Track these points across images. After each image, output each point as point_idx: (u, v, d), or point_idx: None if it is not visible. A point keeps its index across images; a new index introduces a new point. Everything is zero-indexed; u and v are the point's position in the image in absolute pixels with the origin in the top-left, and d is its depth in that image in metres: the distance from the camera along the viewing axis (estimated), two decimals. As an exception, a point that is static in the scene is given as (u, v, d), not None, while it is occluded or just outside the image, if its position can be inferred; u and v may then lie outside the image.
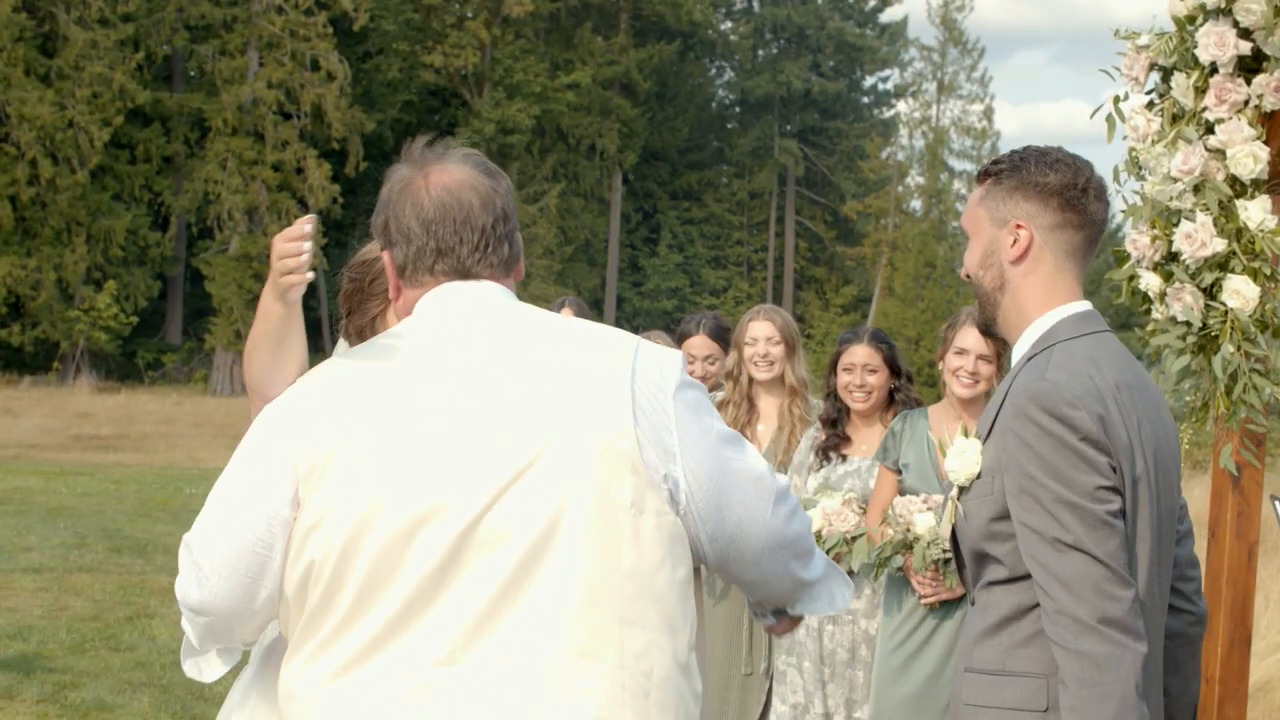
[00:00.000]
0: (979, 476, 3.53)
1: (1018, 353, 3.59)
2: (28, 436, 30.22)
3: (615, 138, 65.66)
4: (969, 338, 6.36)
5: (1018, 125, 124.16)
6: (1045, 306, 3.54)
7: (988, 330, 3.71)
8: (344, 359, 3.15)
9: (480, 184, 3.18)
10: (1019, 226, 3.52)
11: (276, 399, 3.11)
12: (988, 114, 67.60)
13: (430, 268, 3.16)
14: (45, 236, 51.31)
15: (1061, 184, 3.51)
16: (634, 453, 2.93)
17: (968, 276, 3.67)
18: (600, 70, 64.23)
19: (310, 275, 3.38)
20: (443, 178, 3.17)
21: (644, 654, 2.91)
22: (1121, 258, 5.13)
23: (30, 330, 50.99)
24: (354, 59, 57.53)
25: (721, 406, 7.33)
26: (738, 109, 75.23)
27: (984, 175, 3.62)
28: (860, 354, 6.89)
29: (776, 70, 71.06)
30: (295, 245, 3.31)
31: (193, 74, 58.47)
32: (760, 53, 73.37)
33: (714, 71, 76.19)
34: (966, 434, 3.58)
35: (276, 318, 3.43)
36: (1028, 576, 3.34)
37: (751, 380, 7.29)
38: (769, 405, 7.34)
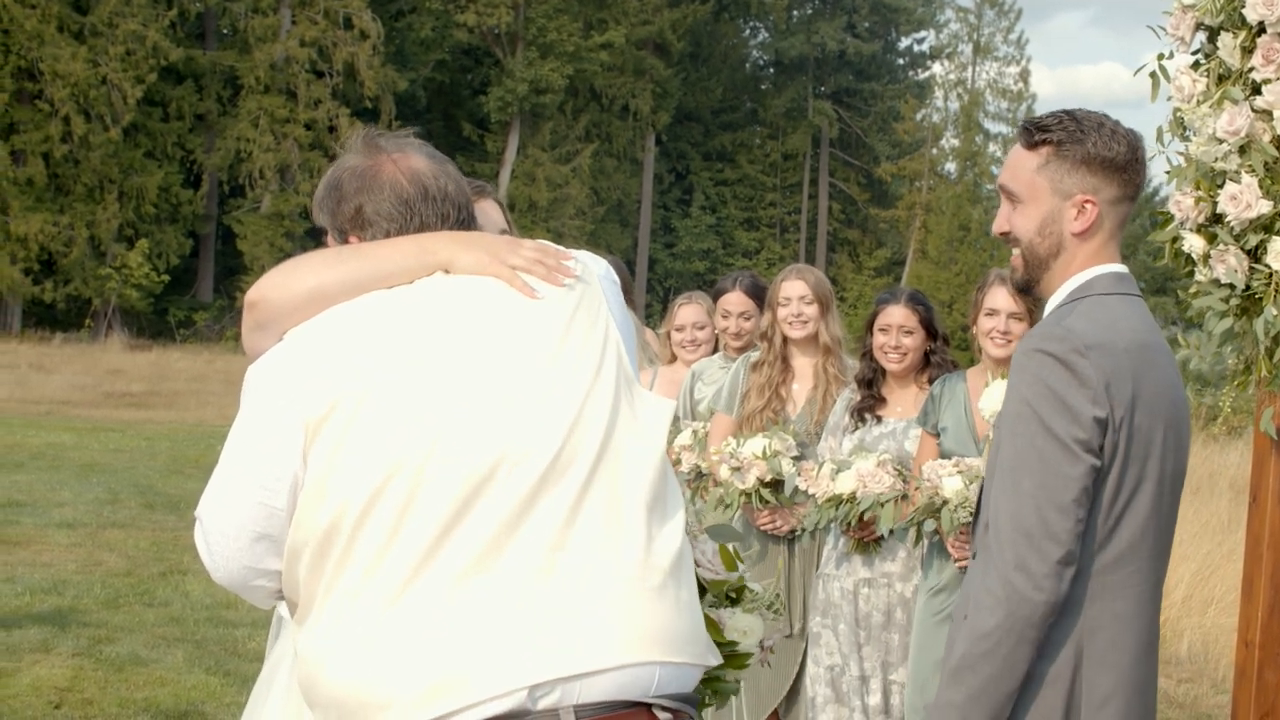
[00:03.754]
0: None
1: (1050, 306, 3.66)
2: (60, 393, 30.32)
3: (649, 98, 65.49)
4: (999, 298, 6.33)
5: (1054, 88, 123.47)
6: (1087, 265, 3.61)
7: (1028, 290, 3.74)
8: (342, 308, 3.03)
9: (445, 169, 3.23)
10: (1087, 201, 3.57)
11: (271, 351, 3.03)
12: (1024, 76, 67.31)
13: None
14: (78, 194, 51.48)
15: (1126, 159, 3.58)
16: (620, 349, 3.12)
17: (1004, 235, 3.69)
18: (634, 30, 64.02)
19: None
20: (411, 163, 3.17)
21: (678, 529, 3.07)
22: (1165, 219, 5.06)
23: (63, 287, 51.20)
24: (387, 17, 57.49)
25: (756, 366, 7.30)
26: (772, 70, 74.96)
27: (1041, 141, 3.61)
28: (897, 315, 6.84)
29: (811, 31, 70.76)
30: (557, 264, 3.16)
31: (225, 31, 58.50)
32: (795, 13, 73.07)
33: (748, 32, 75.91)
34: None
35: (406, 276, 3.08)
36: None
37: (786, 340, 7.25)
38: (804, 365, 7.30)
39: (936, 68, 72.37)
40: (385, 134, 3.26)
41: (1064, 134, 3.58)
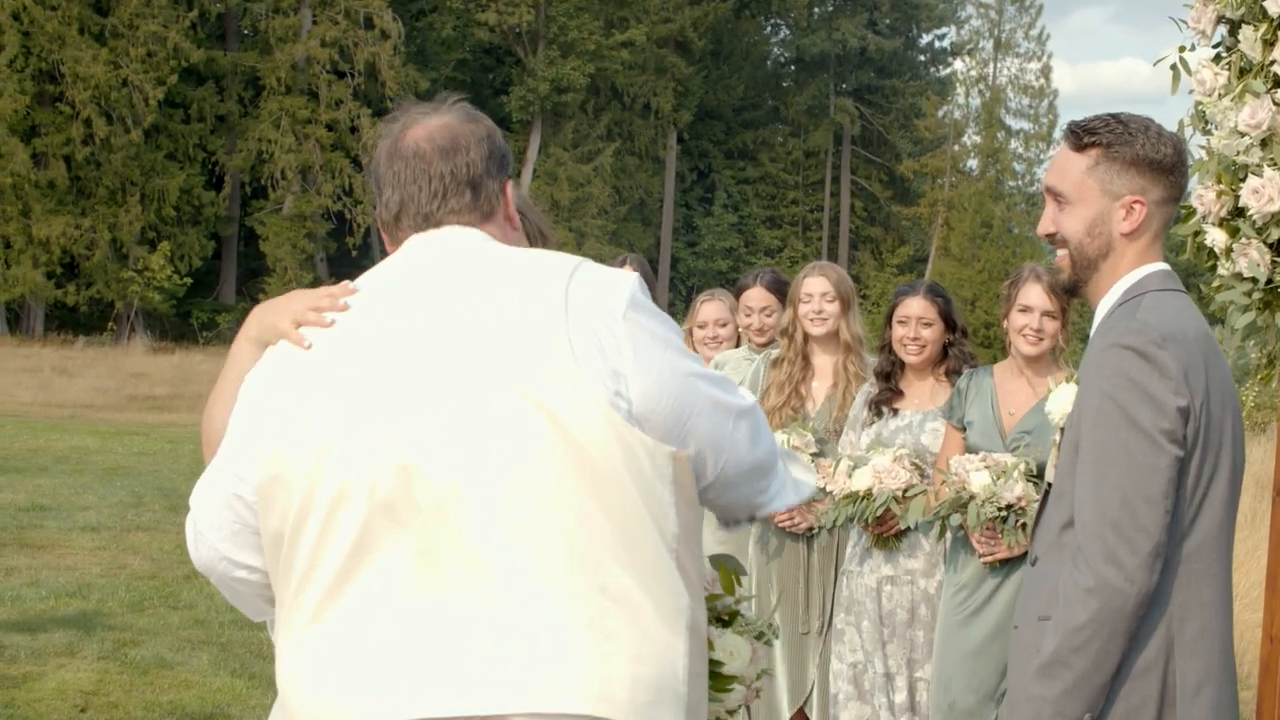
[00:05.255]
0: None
1: (1105, 305, 3.71)
2: (83, 396, 30.43)
3: (670, 96, 65.49)
4: (1033, 294, 6.31)
5: (1075, 84, 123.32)
6: (1136, 265, 3.68)
7: (1074, 291, 3.79)
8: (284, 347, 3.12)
9: (448, 131, 3.16)
10: (1137, 202, 3.65)
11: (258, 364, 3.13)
12: (1045, 72, 67.17)
13: (399, 222, 3.15)
14: (100, 196, 51.61)
15: (1173, 161, 3.67)
16: (576, 383, 2.84)
17: (1049, 236, 3.75)
18: (655, 28, 64.03)
19: None
20: (415, 132, 3.16)
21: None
22: (1187, 213, 5.05)
23: (85, 290, 51.33)
24: (408, 17, 57.58)
25: (776, 363, 7.31)
26: (793, 67, 74.90)
27: (1090, 144, 3.68)
28: (915, 306, 6.83)
29: (832, 28, 70.69)
30: (331, 305, 3.12)
31: (246, 32, 58.63)
32: (816, 10, 73.01)
33: (769, 29, 75.87)
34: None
35: (250, 360, 3.20)
36: None
37: (806, 336, 7.25)
38: (824, 362, 7.30)
39: (958, 64, 72.36)
40: (438, 97, 3.28)
41: (1112, 136, 3.65)
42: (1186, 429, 3.42)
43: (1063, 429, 3.72)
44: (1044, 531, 3.67)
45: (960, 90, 70.16)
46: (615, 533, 2.82)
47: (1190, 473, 3.45)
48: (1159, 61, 5.20)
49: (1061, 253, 3.73)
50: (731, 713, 3.54)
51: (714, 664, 3.50)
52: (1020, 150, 65.72)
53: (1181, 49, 5.10)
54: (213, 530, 3.06)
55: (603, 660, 2.79)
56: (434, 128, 3.16)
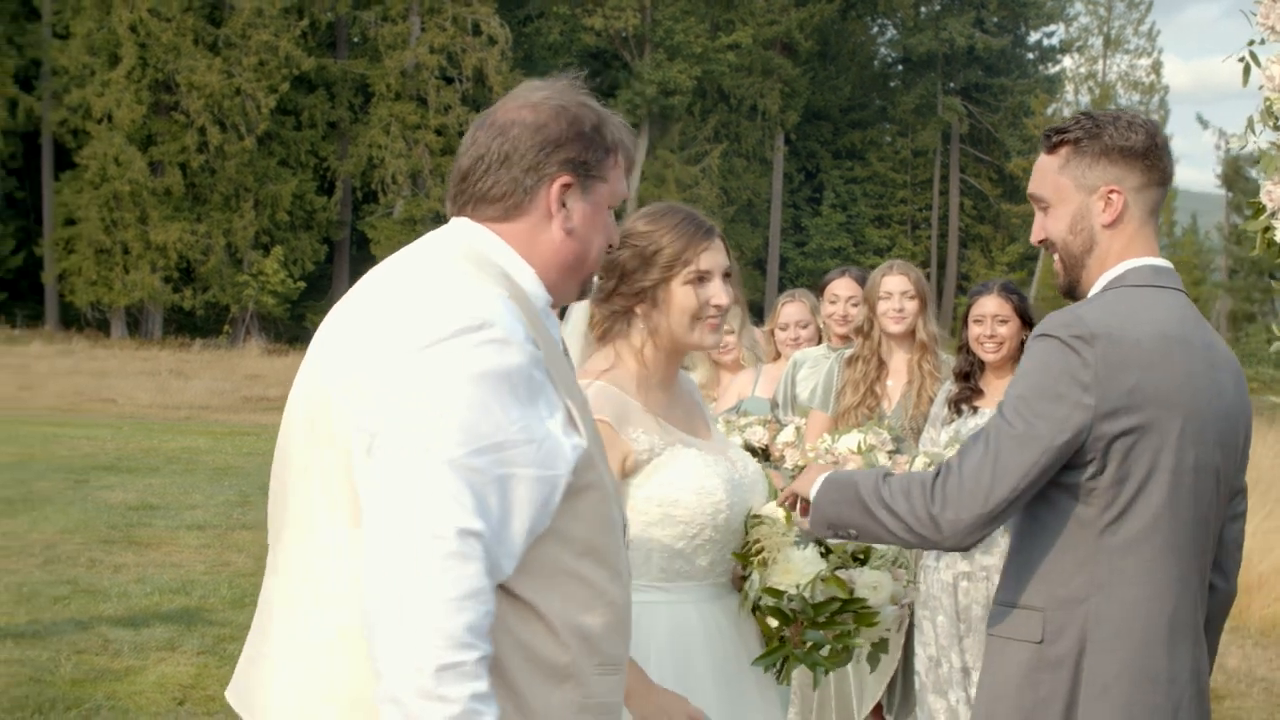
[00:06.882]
0: None
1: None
2: (198, 398, 30.86)
3: (777, 97, 65.40)
4: (988, 305, 6.80)
5: (1188, 79, 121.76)
6: (1122, 258, 3.62)
7: (1071, 293, 3.75)
8: None
9: (498, 119, 2.95)
10: (1112, 191, 3.60)
11: None
12: (1155, 68, 66.43)
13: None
14: (214, 202, 52.38)
15: (1145, 145, 3.60)
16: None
17: (1042, 243, 3.74)
18: (761, 30, 63.97)
19: None
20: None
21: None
22: (1257, 209, 5.04)
23: (201, 295, 52.12)
24: (515, 22, 57.90)
25: (851, 362, 7.34)
26: (900, 67, 74.54)
27: (1059, 143, 3.67)
28: (990, 305, 6.87)
29: (939, 27, 70.28)
30: None
31: (356, 40, 59.20)
32: (923, 9, 72.60)
33: (876, 29, 75.54)
34: None
35: None
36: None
37: (883, 335, 7.29)
38: (899, 361, 7.32)
39: (1067, 61, 71.79)
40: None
41: (1081, 132, 3.63)
42: (1094, 425, 3.37)
43: None
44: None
45: (1069, 87, 69.62)
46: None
47: (1109, 472, 3.40)
48: (1227, 58, 5.19)
49: (1056, 257, 3.72)
50: (889, 631, 3.85)
51: (858, 602, 3.78)
52: (1131, 147, 64.98)
53: (1251, 43, 5.08)
54: None
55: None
56: (499, 115, 2.98)
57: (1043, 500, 3.49)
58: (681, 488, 3.86)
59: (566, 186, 2.92)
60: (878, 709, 7.24)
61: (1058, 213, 3.67)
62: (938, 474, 3.49)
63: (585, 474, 2.77)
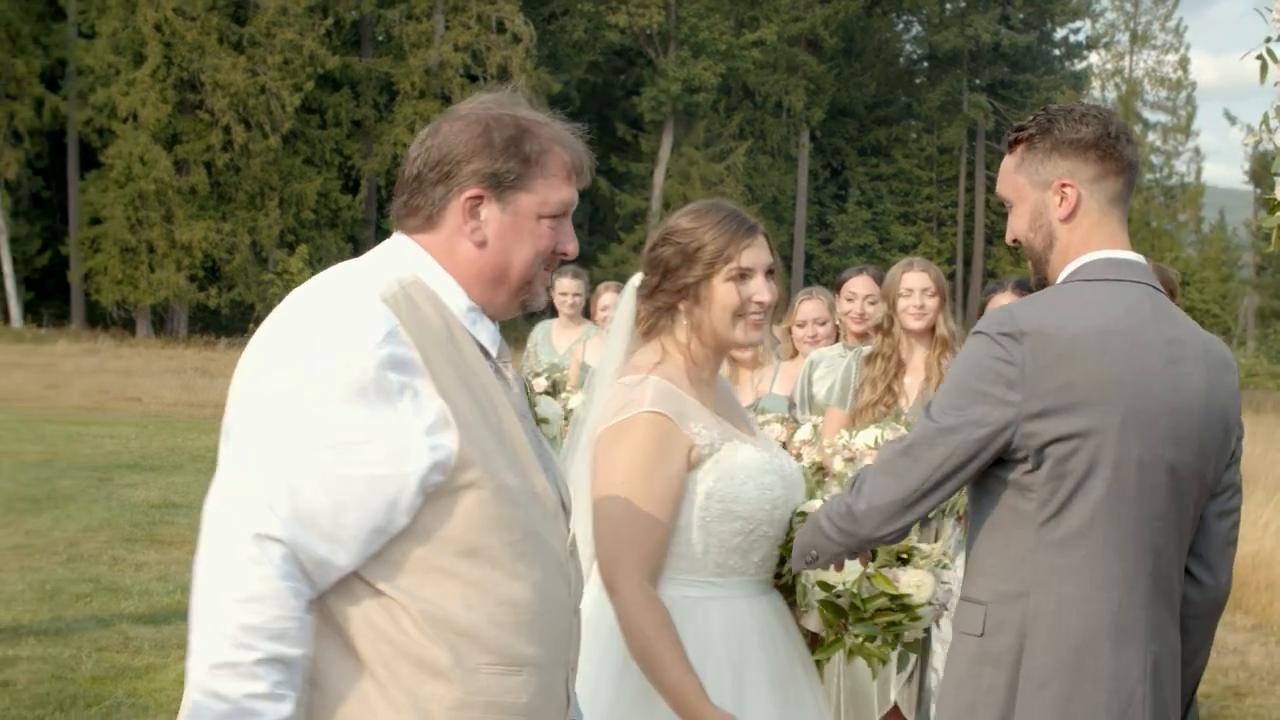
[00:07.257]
0: None
1: None
2: (223, 397, 29.97)
3: (802, 94, 65.35)
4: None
5: (1216, 75, 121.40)
6: (1081, 252, 3.61)
7: (1043, 289, 3.72)
8: None
9: (439, 129, 3.03)
10: (1064, 185, 3.60)
11: None
12: (1183, 64, 66.25)
13: None
14: (239, 201, 52.51)
15: (1095, 136, 3.60)
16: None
17: (1015, 242, 3.74)
18: (786, 27, 63.91)
19: None
20: None
21: None
22: (1272, 205, 5.03)
23: (226, 293, 52.28)
24: (539, 20, 57.93)
25: (870, 359, 7.33)
26: (926, 64, 74.46)
27: (1014, 143, 3.70)
28: (1004, 301, 6.88)
29: (965, 24, 70.17)
30: None
31: (380, 38, 59.30)
32: (948, 6, 72.52)
33: (901, 26, 75.45)
34: None
35: None
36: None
37: (903, 332, 7.28)
38: (918, 358, 7.31)
39: (1093, 57, 71.70)
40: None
41: (1034, 128, 3.65)
42: (1020, 423, 3.37)
43: None
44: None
45: (1096, 84, 69.47)
46: None
47: (1044, 469, 3.37)
48: (1245, 55, 5.18)
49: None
50: (927, 630, 3.90)
51: (902, 598, 3.89)
52: (1158, 143, 64.87)
53: (1268, 39, 5.07)
54: None
55: None
56: (439, 121, 3.07)
57: (986, 494, 3.50)
58: (744, 482, 3.91)
59: (476, 199, 2.96)
60: (894, 708, 7.23)
61: (1019, 211, 3.69)
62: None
63: (461, 474, 2.79)
